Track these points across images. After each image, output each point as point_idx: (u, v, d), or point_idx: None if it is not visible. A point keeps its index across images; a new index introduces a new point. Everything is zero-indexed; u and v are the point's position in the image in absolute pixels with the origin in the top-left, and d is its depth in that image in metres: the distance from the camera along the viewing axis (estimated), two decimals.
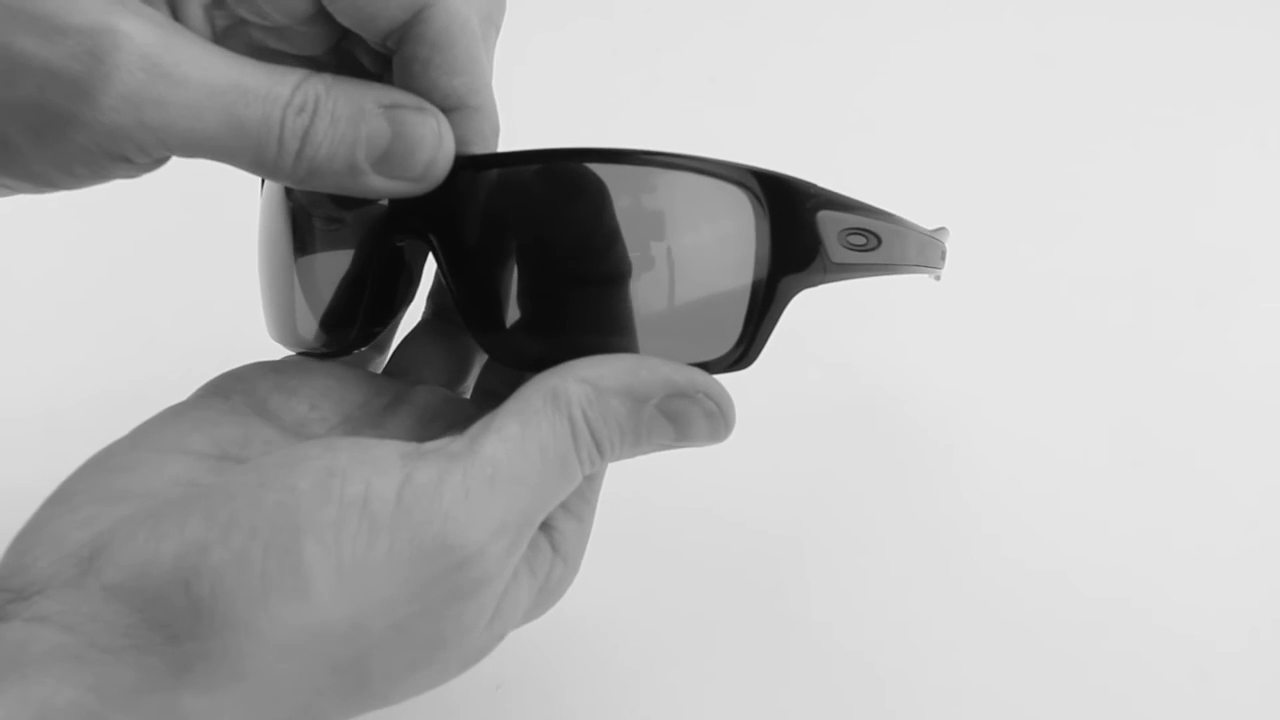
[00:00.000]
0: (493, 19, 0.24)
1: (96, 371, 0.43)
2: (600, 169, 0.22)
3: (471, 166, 0.22)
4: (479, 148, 0.23)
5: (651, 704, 0.33)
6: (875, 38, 0.63)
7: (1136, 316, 0.47)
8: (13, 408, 0.42)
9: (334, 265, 0.26)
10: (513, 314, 0.23)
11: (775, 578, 0.37)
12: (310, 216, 0.26)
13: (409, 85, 0.22)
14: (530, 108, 0.30)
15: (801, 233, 0.23)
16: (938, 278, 0.37)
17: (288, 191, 0.27)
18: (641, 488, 0.33)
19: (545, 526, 0.23)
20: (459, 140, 0.22)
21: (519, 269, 0.23)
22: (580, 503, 0.24)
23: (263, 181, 0.28)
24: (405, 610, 0.19)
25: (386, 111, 0.21)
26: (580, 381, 0.21)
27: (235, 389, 0.24)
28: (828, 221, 0.24)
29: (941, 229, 0.35)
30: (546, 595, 0.23)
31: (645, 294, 0.23)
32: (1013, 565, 0.37)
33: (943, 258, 0.34)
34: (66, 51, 0.18)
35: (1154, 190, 0.53)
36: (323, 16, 0.22)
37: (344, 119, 0.21)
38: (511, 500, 0.20)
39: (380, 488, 0.19)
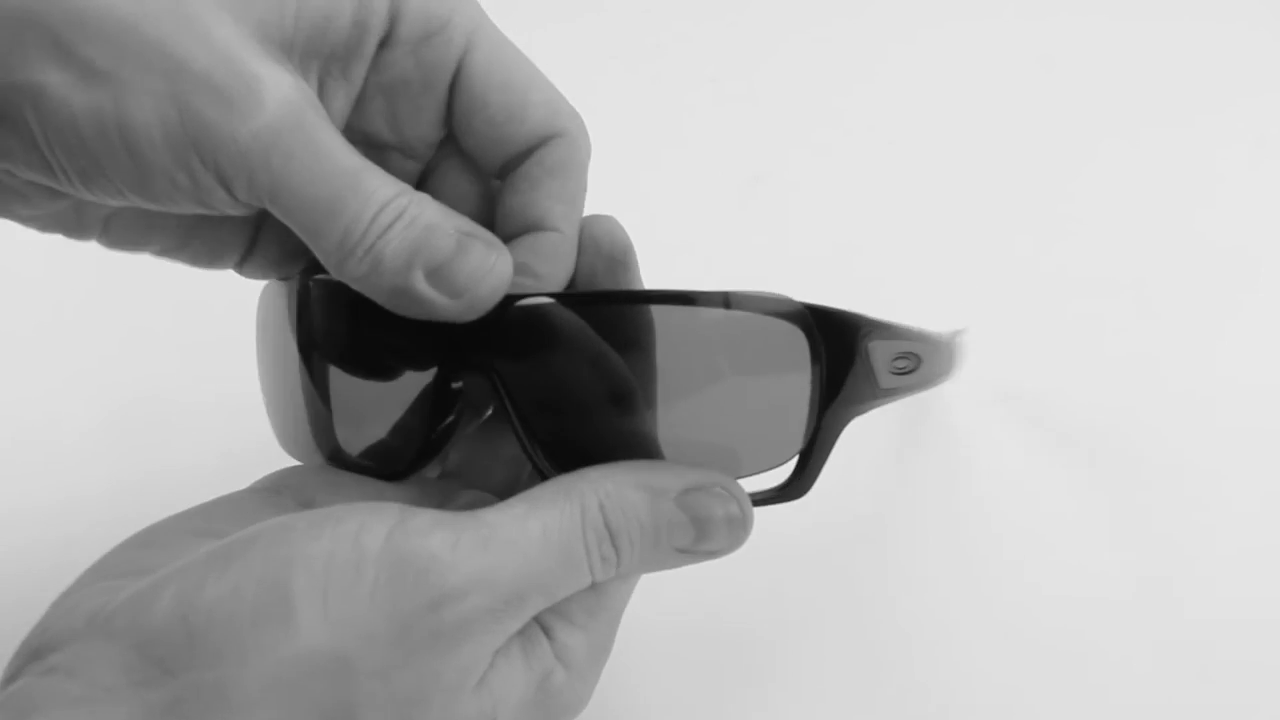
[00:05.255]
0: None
1: (102, 383, 0.43)
2: (661, 310, 0.23)
3: (531, 304, 0.23)
4: (551, 266, 0.24)
5: (651, 706, 0.33)
6: (875, 37, 0.63)
7: (1136, 316, 0.47)
8: (17, 420, 0.42)
9: (379, 399, 0.26)
10: (572, 450, 0.23)
11: (781, 580, 0.37)
12: (357, 345, 0.26)
13: (512, 198, 0.24)
14: None
15: (854, 365, 0.24)
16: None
17: (310, 317, 0.26)
18: None
19: (544, 628, 0.23)
20: (535, 260, 0.24)
21: (574, 406, 0.23)
22: (587, 616, 0.23)
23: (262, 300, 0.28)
24: (388, 654, 0.19)
25: (459, 235, 0.22)
26: (598, 477, 0.22)
27: (285, 484, 0.25)
28: (878, 351, 0.25)
29: (962, 331, 0.36)
30: (551, 701, 0.23)
31: (702, 430, 0.24)
32: (1009, 566, 0.37)
33: (961, 359, 0.35)
34: (229, 71, 0.20)
35: (1154, 190, 0.53)
36: (445, 140, 0.24)
37: (420, 226, 0.21)
38: (502, 561, 0.20)
39: (373, 527, 0.20)
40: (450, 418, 0.25)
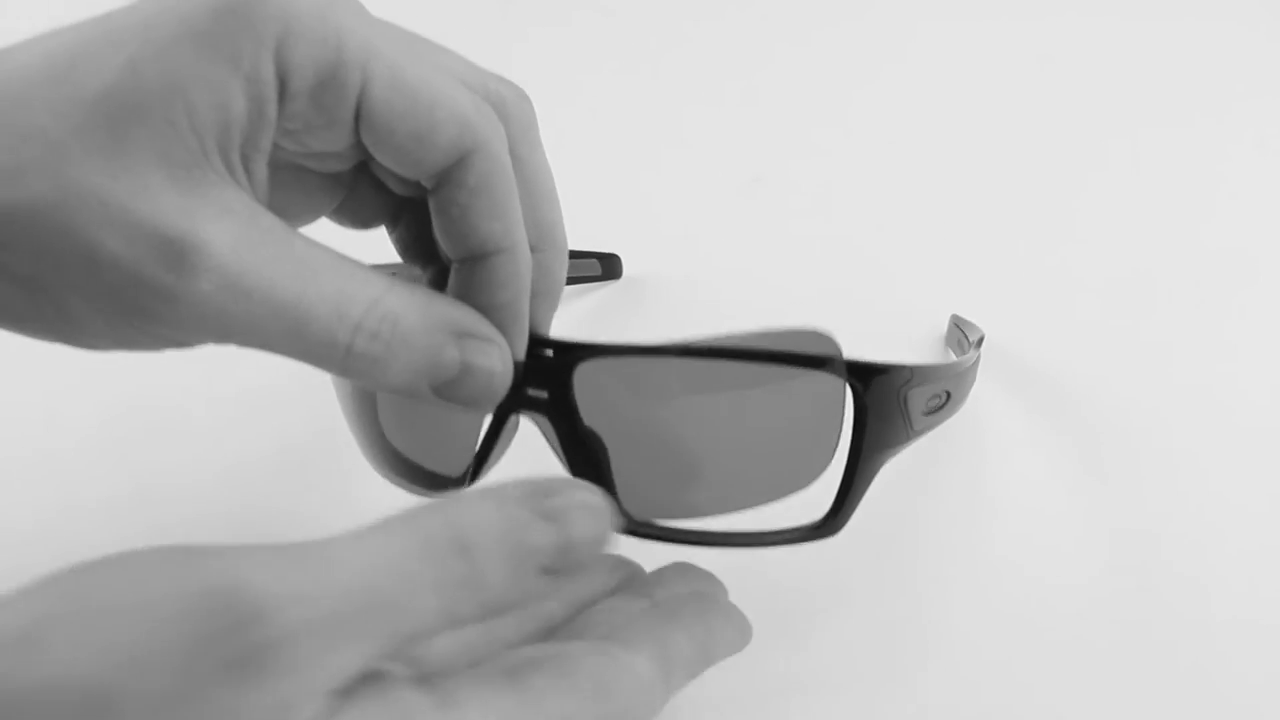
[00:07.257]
0: (526, 134, 0.24)
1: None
2: (704, 360, 0.24)
3: (587, 356, 0.24)
4: (510, 288, 0.23)
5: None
6: (875, 37, 0.63)
7: (1136, 316, 0.47)
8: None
9: (436, 428, 0.27)
10: (616, 494, 0.24)
11: (786, 579, 0.37)
12: None
13: (447, 226, 0.23)
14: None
15: (893, 414, 0.25)
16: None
17: None
18: None
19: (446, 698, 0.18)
20: (493, 284, 0.23)
21: (621, 454, 0.24)
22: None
23: None
24: (165, 686, 0.15)
25: (458, 341, 0.22)
26: (447, 497, 0.20)
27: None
28: (915, 397, 0.25)
29: (980, 337, 0.37)
30: None
31: (737, 473, 0.25)
32: (1006, 567, 0.37)
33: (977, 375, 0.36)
34: (147, 256, 0.19)
35: (1153, 190, 0.53)
36: (358, 148, 0.23)
37: (420, 349, 0.21)
38: (321, 575, 0.16)
39: (168, 553, 0.16)
40: (498, 444, 0.26)
